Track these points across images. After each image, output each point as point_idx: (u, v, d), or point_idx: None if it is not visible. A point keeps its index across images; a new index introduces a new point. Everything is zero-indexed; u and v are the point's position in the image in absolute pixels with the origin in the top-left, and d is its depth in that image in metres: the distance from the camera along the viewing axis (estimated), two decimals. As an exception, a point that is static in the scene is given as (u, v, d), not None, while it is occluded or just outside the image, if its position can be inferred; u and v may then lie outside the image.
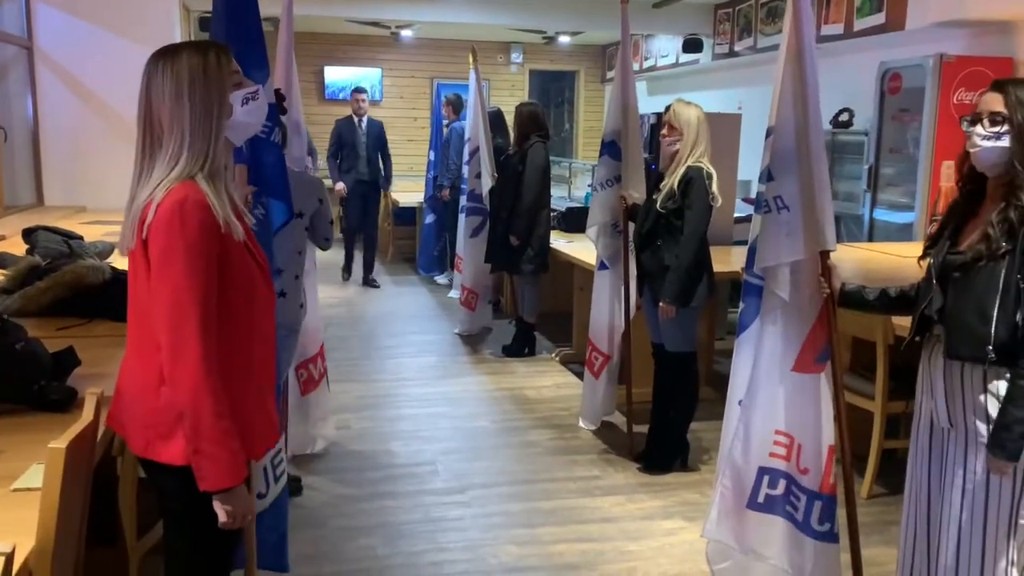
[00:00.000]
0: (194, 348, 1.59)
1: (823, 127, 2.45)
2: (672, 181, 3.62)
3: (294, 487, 3.60)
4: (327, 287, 7.87)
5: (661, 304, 3.65)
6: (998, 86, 2.04)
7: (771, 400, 2.58)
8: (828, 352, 2.51)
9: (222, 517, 1.67)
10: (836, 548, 2.54)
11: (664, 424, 3.93)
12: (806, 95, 2.40)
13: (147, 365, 1.67)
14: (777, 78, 2.50)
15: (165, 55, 1.71)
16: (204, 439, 1.60)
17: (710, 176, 3.58)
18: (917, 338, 2.20)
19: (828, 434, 2.53)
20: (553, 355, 5.83)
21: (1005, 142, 1.99)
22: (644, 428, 4.04)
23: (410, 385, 5.20)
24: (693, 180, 3.56)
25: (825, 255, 2.46)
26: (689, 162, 3.60)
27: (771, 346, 2.57)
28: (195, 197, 1.61)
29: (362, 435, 4.32)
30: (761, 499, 2.64)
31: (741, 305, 2.69)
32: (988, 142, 2.02)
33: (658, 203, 3.66)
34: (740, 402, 2.64)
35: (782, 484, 2.61)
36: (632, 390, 4.17)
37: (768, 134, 2.55)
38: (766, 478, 2.62)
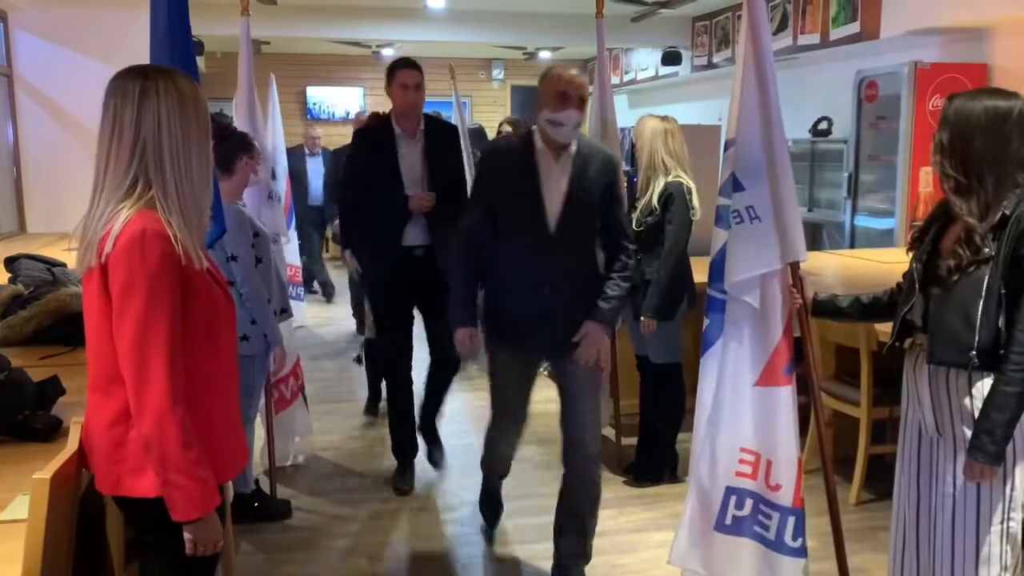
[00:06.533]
0: (159, 379, 1.57)
1: (786, 136, 2.46)
2: (650, 196, 3.65)
3: (283, 510, 3.58)
4: (314, 306, 7.84)
5: (642, 318, 3.66)
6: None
7: (736, 418, 2.54)
8: (794, 364, 2.51)
9: (188, 548, 1.66)
10: (806, 563, 2.50)
11: (652, 435, 3.94)
12: (768, 105, 2.40)
13: (110, 400, 1.65)
14: (735, 90, 2.50)
15: (160, 75, 1.67)
16: (172, 470, 1.59)
17: (690, 190, 3.61)
18: (897, 343, 2.22)
19: (797, 447, 2.51)
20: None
21: None
22: (633, 440, 4.05)
23: (399, 403, 5.18)
24: (673, 196, 3.59)
25: (795, 266, 2.46)
26: (668, 178, 3.63)
27: (735, 362, 2.52)
28: (153, 227, 1.59)
29: (352, 455, 4.31)
30: (729, 520, 2.58)
31: (706, 321, 2.64)
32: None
33: (635, 219, 3.68)
34: (709, 419, 2.59)
35: (749, 504, 2.55)
36: (619, 403, 4.17)
37: (727, 147, 2.55)
38: (733, 498, 2.56)
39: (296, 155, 7.59)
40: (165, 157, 1.64)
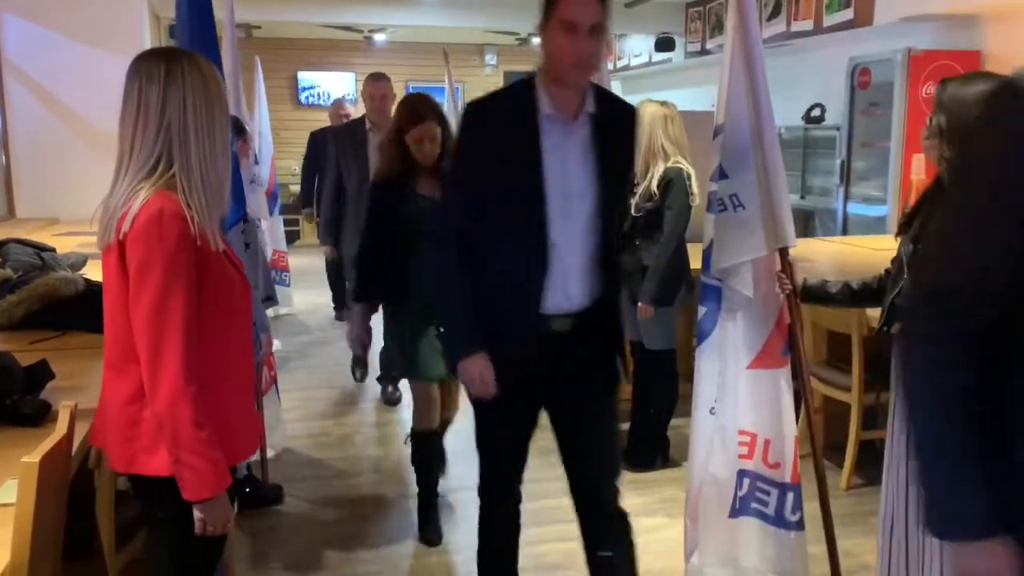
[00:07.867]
0: (173, 358, 1.58)
1: (775, 122, 2.45)
2: (648, 182, 3.64)
3: (275, 495, 3.59)
4: (300, 292, 7.82)
5: (640, 304, 3.66)
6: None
7: (734, 401, 2.58)
8: (789, 346, 2.54)
9: (198, 527, 1.67)
10: (804, 536, 2.57)
11: (645, 421, 3.95)
12: (756, 91, 2.40)
13: (125, 378, 1.67)
14: (723, 76, 2.51)
15: (183, 57, 1.70)
16: (183, 449, 1.60)
17: (690, 176, 3.61)
18: (886, 328, 2.22)
19: (794, 425, 2.57)
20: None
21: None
22: (625, 426, 4.06)
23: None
24: (673, 181, 3.58)
25: (784, 251, 2.47)
26: (667, 163, 3.62)
27: (733, 347, 2.56)
28: (171, 208, 1.61)
29: (343, 440, 4.31)
30: (738, 505, 2.63)
31: (702, 310, 2.61)
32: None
33: (633, 205, 3.68)
34: (712, 411, 2.61)
35: (747, 483, 2.61)
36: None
37: (716, 133, 2.55)
38: (737, 481, 2.62)
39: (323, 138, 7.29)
40: (191, 138, 1.66)
